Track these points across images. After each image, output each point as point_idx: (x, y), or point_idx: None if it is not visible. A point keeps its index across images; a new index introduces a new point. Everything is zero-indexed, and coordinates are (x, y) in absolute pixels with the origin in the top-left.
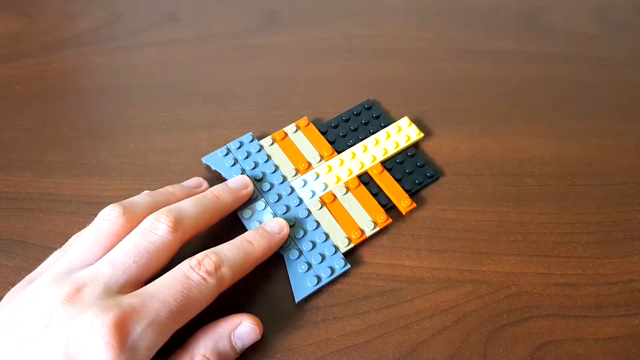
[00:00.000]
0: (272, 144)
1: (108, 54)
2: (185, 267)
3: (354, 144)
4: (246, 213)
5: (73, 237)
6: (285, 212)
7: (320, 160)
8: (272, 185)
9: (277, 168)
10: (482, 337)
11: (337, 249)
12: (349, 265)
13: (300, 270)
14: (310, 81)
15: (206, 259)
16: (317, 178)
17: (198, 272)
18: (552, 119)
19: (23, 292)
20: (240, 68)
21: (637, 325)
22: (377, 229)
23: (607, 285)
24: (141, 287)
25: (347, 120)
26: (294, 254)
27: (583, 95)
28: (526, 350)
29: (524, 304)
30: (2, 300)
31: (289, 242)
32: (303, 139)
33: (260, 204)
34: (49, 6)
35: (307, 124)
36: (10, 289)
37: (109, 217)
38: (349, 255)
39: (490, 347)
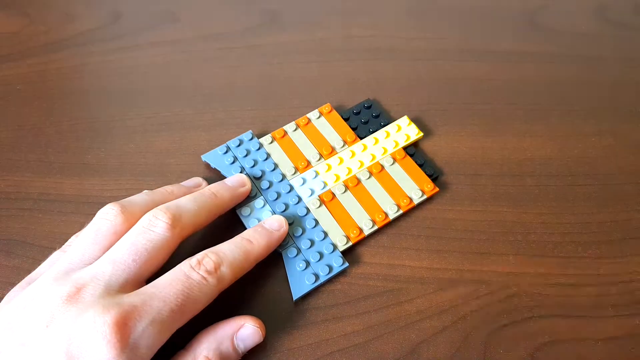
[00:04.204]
0: (271, 142)
1: (108, 54)
2: (185, 267)
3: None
4: (245, 211)
5: (72, 237)
6: (284, 210)
7: (319, 159)
8: (271, 184)
9: (276, 166)
10: (482, 337)
11: (335, 247)
12: (347, 264)
13: (298, 268)
14: (310, 81)
15: (206, 258)
16: (316, 176)
17: (198, 271)
18: (552, 119)
19: (23, 292)
20: (240, 68)
21: (637, 325)
22: (376, 227)
23: (607, 285)
24: (142, 285)
25: (347, 119)
26: (292, 252)
27: (583, 95)
28: (526, 350)
29: (524, 304)
30: (2, 301)
31: (288, 240)
32: (302, 137)
33: (259, 202)
34: (49, 6)
35: (307, 123)
36: (10, 289)
37: (107, 215)
38: (347, 253)
39: (490, 347)
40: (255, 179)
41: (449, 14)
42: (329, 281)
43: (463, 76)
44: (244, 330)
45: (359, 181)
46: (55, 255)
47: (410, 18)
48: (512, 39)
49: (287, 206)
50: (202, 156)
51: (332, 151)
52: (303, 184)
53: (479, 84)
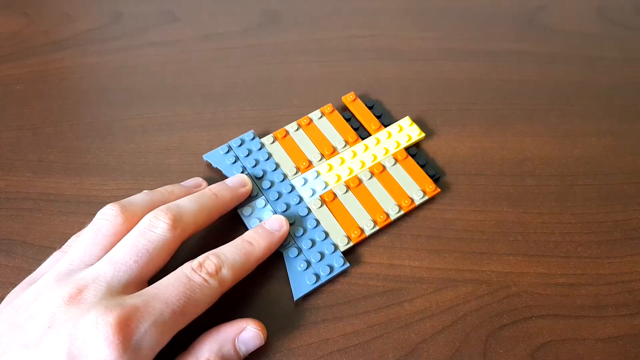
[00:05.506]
0: (273, 142)
1: (108, 54)
2: (187, 269)
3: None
4: (246, 211)
5: (73, 237)
6: (285, 210)
7: (321, 159)
8: (272, 183)
9: (277, 166)
10: (482, 337)
11: (336, 247)
12: (348, 264)
13: (299, 269)
14: (310, 81)
15: (207, 260)
16: (317, 176)
17: (200, 273)
18: (552, 119)
19: (25, 293)
20: (240, 68)
21: (637, 325)
22: (377, 228)
23: (607, 285)
24: (143, 286)
25: (348, 119)
26: (293, 252)
27: (583, 95)
28: (526, 350)
29: (524, 304)
30: (3, 302)
31: (289, 240)
32: (304, 137)
33: (260, 202)
34: (49, 6)
35: (309, 123)
36: (10, 289)
37: (107, 216)
38: (348, 254)
39: (490, 347)
40: (257, 179)
41: (449, 14)
42: (329, 281)
43: (463, 76)
44: (246, 333)
45: (360, 181)
46: (56, 256)
47: (410, 18)
48: (512, 39)
49: (288, 206)
50: (203, 156)
51: (334, 151)
52: (304, 184)
53: (479, 84)
